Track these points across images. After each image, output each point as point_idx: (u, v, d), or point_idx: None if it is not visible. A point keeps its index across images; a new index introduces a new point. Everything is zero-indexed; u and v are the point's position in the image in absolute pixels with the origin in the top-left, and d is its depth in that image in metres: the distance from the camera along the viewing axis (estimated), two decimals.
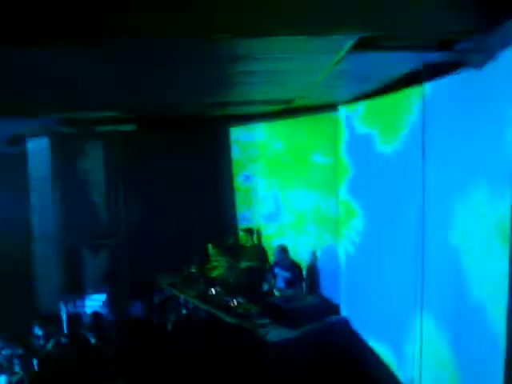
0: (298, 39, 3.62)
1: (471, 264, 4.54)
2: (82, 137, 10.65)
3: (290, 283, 8.54)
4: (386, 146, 6.66)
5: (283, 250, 8.73)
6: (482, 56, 4.11)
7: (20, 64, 4.22)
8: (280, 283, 8.63)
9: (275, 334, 7.48)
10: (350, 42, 3.71)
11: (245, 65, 4.59)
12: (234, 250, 10.15)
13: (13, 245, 9.77)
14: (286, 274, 8.59)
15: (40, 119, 9.35)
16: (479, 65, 4.22)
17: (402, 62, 4.77)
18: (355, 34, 3.52)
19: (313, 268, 9.04)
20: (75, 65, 4.34)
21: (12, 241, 9.79)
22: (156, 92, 6.26)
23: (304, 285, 8.93)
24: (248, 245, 9.98)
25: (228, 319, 8.00)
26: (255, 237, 10.32)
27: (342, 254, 8.25)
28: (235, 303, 8.15)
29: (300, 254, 9.14)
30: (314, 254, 9.01)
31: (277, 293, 8.49)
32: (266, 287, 8.81)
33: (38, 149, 10.72)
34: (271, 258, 9.59)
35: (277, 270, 8.72)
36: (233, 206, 11.33)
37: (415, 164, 5.63)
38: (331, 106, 8.13)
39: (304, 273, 9.02)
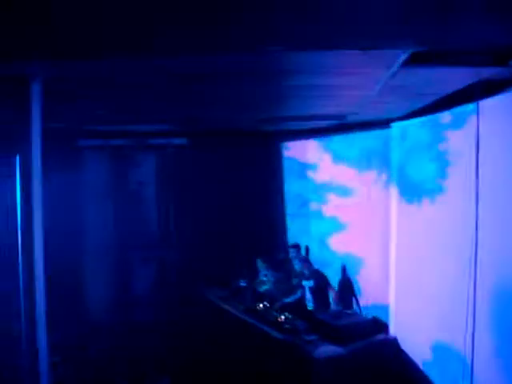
0: (351, 53, 3.61)
1: None
2: (135, 149, 10.83)
3: (314, 292, 8.49)
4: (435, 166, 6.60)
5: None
6: None
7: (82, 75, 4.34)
8: (307, 293, 8.59)
9: (322, 350, 7.42)
10: (403, 57, 3.69)
11: (297, 79, 4.61)
12: (282, 266, 10.13)
13: (66, 257, 9.92)
14: (309, 284, 8.56)
15: (94, 131, 9.57)
16: None
17: (456, 78, 4.70)
18: (408, 48, 3.49)
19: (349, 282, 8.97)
20: (136, 77, 4.43)
21: (66, 253, 9.95)
22: (208, 107, 6.33)
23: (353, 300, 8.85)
24: (296, 260, 9.92)
25: (275, 334, 7.98)
26: (303, 252, 10.31)
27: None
28: (283, 318, 8.12)
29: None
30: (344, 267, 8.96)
31: (309, 304, 8.46)
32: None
33: (93, 160, 10.94)
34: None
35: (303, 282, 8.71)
36: (284, 221, 11.32)
37: (468, 190, 5.52)
38: (384, 123, 8.08)
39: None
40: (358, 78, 4.55)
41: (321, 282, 8.59)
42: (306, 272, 8.63)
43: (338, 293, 8.59)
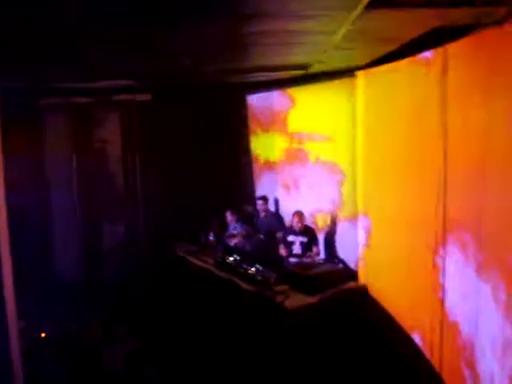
0: None
1: None
2: (98, 107, 10.64)
3: (306, 247, 8.50)
4: (402, 113, 6.58)
5: (298, 215, 8.66)
6: (506, 11, 3.99)
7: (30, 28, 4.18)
8: (297, 249, 8.57)
9: (294, 300, 7.47)
10: None
11: (258, 24, 4.50)
12: (251, 218, 10.14)
13: (32, 216, 9.80)
14: (303, 239, 8.55)
15: (56, 89, 9.35)
16: (502, 21, 4.10)
17: (420, 20, 4.64)
18: None
19: (332, 234, 9.02)
20: (89, 25, 4.28)
21: (31, 212, 9.82)
22: (170, 57, 6.18)
23: (323, 250, 8.91)
24: (264, 212, 9.94)
25: (247, 286, 8.00)
26: (272, 205, 10.34)
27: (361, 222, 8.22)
28: (253, 270, 8.13)
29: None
30: (333, 220, 8.97)
31: (293, 259, 8.47)
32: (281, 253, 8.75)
33: (55, 119, 10.74)
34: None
35: (292, 237, 8.65)
36: (251, 173, 11.28)
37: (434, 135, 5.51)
38: (348, 72, 8.01)
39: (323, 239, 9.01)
40: (320, 21, 4.45)
41: (312, 237, 8.59)
42: (296, 227, 8.59)
43: (306, 241, 8.59)
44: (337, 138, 8.77)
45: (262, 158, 10.98)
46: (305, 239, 8.55)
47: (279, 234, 9.33)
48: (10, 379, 3.95)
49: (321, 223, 9.31)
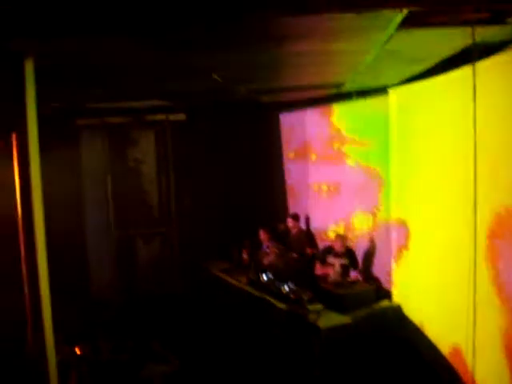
0: (346, 16, 3.56)
1: None
2: (132, 126, 10.81)
3: (347, 270, 8.46)
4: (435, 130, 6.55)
5: (341, 239, 8.64)
6: None
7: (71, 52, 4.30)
8: (336, 271, 8.54)
9: (327, 319, 7.44)
10: (398, 18, 3.64)
11: (292, 45, 4.55)
12: (284, 236, 10.14)
13: (68, 235, 9.92)
14: (343, 261, 8.51)
15: (92, 109, 9.53)
16: None
17: (452, 38, 4.64)
18: (403, 7, 3.43)
19: (369, 254, 8.99)
20: (126, 52, 4.39)
21: (67, 231, 9.95)
22: (205, 77, 6.26)
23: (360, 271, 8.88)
24: (295, 230, 9.94)
25: (280, 305, 8.00)
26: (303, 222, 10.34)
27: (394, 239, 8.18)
28: (286, 289, 8.12)
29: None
30: (371, 239, 8.95)
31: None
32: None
33: (91, 138, 10.94)
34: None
35: (332, 258, 8.62)
36: (284, 192, 11.31)
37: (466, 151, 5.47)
38: (381, 90, 8.02)
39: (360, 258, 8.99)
40: (354, 42, 4.49)
41: (352, 259, 8.58)
42: (338, 251, 8.58)
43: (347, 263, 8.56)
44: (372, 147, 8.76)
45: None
46: (345, 261, 8.51)
47: (309, 251, 9.36)
48: None
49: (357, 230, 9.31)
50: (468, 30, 4.23)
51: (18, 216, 4.35)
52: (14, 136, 4.45)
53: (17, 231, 4.27)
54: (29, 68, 4.14)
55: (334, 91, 8.46)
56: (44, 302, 4.13)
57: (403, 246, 7.97)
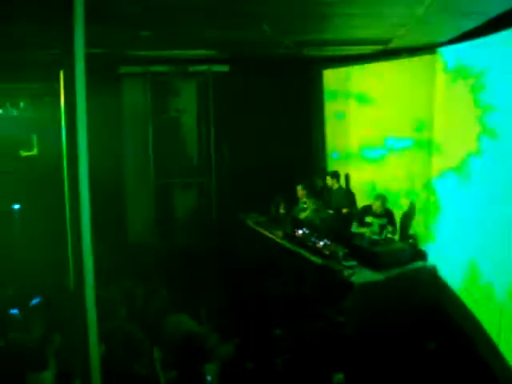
0: None
1: None
2: (175, 76, 10.81)
3: (383, 228, 8.44)
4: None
5: (381, 200, 8.58)
6: None
7: None
8: (375, 230, 8.55)
9: (360, 276, 7.47)
10: None
11: None
12: (322, 193, 10.14)
13: (109, 180, 10.05)
14: (381, 221, 8.50)
15: (135, 56, 9.54)
16: None
17: None
18: None
19: (407, 214, 8.95)
20: None
21: (108, 176, 10.07)
22: (250, 24, 6.19)
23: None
24: (335, 188, 9.93)
25: (314, 259, 8.04)
26: (343, 180, 10.29)
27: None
28: (321, 244, 8.15)
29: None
30: (412, 201, 8.91)
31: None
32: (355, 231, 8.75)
33: (133, 86, 10.99)
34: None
35: (371, 218, 8.61)
36: (324, 148, 11.25)
37: None
38: (431, 48, 7.85)
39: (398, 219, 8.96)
40: None
41: (390, 219, 8.57)
42: (377, 211, 8.56)
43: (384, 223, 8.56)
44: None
45: None
46: (383, 221, 8.50)
47: (348, 209, 9.37)
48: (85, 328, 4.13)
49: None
50: None
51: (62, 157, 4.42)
52: (61, 73, 4.49)
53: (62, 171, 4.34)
54: (79, 7, 4.15)
55: (380, 48, 8.30)
56: (85, 247, 4.19)
57: (441, 208, 7.92)
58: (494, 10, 5.22)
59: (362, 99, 9.99)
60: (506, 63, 5.84)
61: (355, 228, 8.81)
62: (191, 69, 10.77)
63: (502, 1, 4.80)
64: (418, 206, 8.74)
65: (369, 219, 8.64)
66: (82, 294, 4.27)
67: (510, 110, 5.65)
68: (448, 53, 7.55)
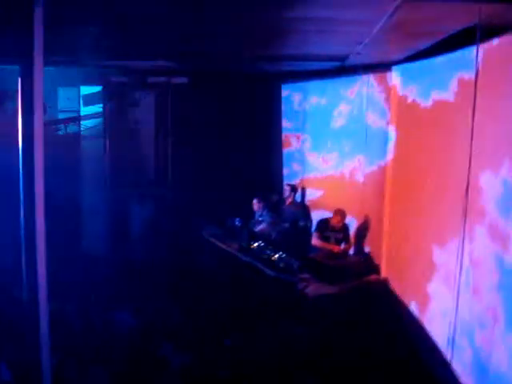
0: None
1: None
2: (134, 87, 10.78)
3: (339, 243, 8.58)
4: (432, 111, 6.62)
5: (340, 215, 8.70)
6: None
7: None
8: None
9: (315, 288, 7.56)
10: None
11: (298, 10, 4.56)
12: (278, 206, 10.22)
13: (64, 192, 9.93)
14: (338, 235, 8.64)
15: (94, 67, 9.50)
16: None
17: (458, 15, 4.66)
18: None
19: (363, 228, 9.10)
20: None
21: (63, 189, 9.98)
22: (208, 40, 6.27)
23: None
24: (290, 201, 10.04)
25: (269, 272, 8.10)
26: (299, 194, 10.42)
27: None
28: (277, 257, 8.22)
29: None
30: (367, 215, 9.05)
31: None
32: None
33: (90, 96, 10.94)
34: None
35: (329, 233, 8.73)
36: (280, 162, 11.36)
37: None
38: (385, 66, 8.06)
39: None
40: (360, 11, 4.51)
41: (346, 233, 8.71)
42: (336, 226, 8.68)
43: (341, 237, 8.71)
44: None
45: None
46: (340, 235, 8.64)
47: (302, 223, 9.51)
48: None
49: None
50: (477, 6, 4.25)
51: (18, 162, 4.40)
52: (20, 83, 4.48)
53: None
54: (38, 15, 4.15)
55: (337, 64, 8.46)
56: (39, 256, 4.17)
57: (393, 222, 8.09)
58: (446, 30, 5.42)
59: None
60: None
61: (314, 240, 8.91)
62: (150, 80, 10.75)
63: (452, 23, 4.99)
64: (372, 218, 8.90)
65: (326, 233, 8.76)
66: (36, 306, 4.27)
67: None
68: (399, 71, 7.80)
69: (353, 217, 9.19)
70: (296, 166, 11.09)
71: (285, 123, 11.31)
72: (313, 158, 10.57)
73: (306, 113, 10.71)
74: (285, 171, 11.40)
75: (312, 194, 10.54)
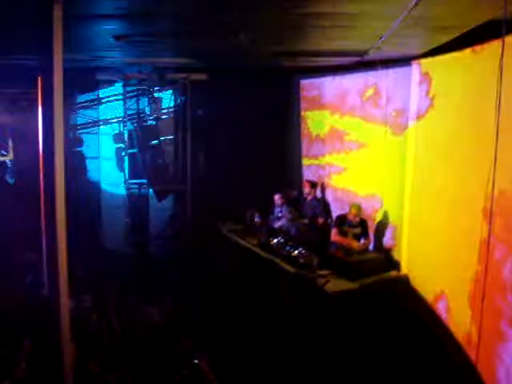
0: None
1: None
2: (154, 83, 10.80)
3: (358, 238, 8.53)
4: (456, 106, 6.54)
5: (356, 209, 8.67)
6: None
7: None
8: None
9: (335, 285, 7.53)
10: None
11: (318, 5, 4.54)
12: (298, 202, 10.20)
13: (81, 189, 10.01)
14: (356, 230, 8.59)
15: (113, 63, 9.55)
16: None
17: (481, 8, 4.60)
18: None
19: (382, 224, 9.05)
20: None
21: (80, 185, 10.06)
22: (228, 35, 6.24)
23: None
24: (310, 197, 10.00)
25: (288, 268, 8.08)
26: (319, 190, 10.37)
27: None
28: (296, 253, 8.19)
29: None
30: (385, 211, 9.01)
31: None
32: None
33: (111, 93, 11.02)
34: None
35: (346, 227, 8.69)
36: (300, 157, 11.32)
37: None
38: (405, 60, 7.98)
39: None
40: (380, 5, 4.47)
41: (364, 228, 8.67)
42: (353, 220, 8.64)
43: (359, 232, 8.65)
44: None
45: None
46: (358, 230, 8.59)
47: (321, 219, 9.56)
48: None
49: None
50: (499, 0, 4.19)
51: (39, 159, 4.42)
52: (40, 80, 4.51)
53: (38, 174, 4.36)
54: (57, 14, 4.17)
55: (356, 59, 8.41)
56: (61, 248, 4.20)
57: (412, 219, 8.04)
58: (468, 24, 5.35)
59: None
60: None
61: (334, 236, 8.88)
62: (170, 76, 10.76)
63: (474, 16, 4.92)
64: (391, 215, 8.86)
65: (344, 228, 8.73)
66: (57, 301, 4.30)
67: None
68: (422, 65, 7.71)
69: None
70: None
71: None
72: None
73: None
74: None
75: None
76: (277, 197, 9.91)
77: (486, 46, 5.63)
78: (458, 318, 6.39)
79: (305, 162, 11.19)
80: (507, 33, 4.99)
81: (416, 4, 4.27)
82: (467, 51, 6.08)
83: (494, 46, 5.29)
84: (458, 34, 5.81)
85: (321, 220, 9.67)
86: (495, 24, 4.99)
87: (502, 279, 5.16)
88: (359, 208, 8.66)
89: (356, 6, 4.54)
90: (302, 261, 8.02)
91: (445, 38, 6.14)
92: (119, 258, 9.99)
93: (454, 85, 6.65)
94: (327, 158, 10.49)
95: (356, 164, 9.66)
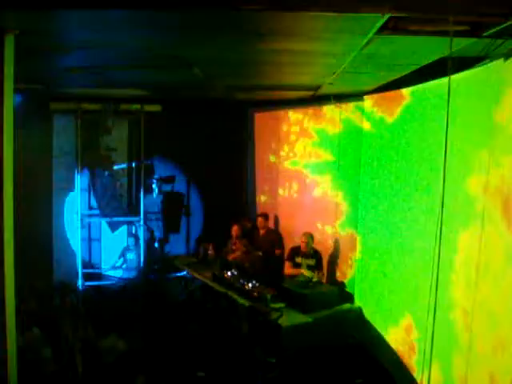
0: (327, 16, 3.58)
1: None
2: (107, 114, 10.70)
3: (312, 270, 8.54)
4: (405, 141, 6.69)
5: (306, 237, 8.71)
6: None
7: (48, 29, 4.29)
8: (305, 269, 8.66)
9: (288, 318, 7.51)
10: (379, 22, 3.68)
11: (271, 42, 4.58)
12: (251, 235, 10.18)
13: (35, 221, 9.82)
14: (310, 262, 8.61)
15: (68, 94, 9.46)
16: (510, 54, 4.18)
17: (430, 48, 4.71)
18: (384, 12, 3.47)
19: (335, 256, 9.08)
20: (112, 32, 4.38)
21: (34, 216, 9.87)
22: (181, 72, 6.26)
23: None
24: (264, 229, 10.01)
25: (242, 301, 8.03)
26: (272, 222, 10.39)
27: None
28: (250, 286, 8.16)
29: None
30: (336, 241, 9.04)
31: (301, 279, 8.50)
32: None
33: (64, 124, 10.86)
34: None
35: (300, 258, 8.71)
36: (253, 190, 11.34)
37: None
38: (357, 96, 8.12)
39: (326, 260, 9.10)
40: (333, 43, 4.54)
41: (318, 260, 8.69)
42: (304, 250, 8.66)
43: (313, 264, 8.67)
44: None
45: None
46: (312, 262, 8.61)
47: (276, 252, 9.56)
48: None
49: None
50: (446, 40, 4.29)
51: None
52: None
53: None
54: (9, 44, 4.12)
55: (310, 94, 8.51)
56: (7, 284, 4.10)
57: (364, 252, 8.11)
58: (416, 63, 5.49)
59: None
60: None
61: (287, 269, 8.88)
62: (123, 107, 10.68)
63: (423, 56, 5.06)
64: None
65: (298, 259, 8.75)
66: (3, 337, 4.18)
67: None
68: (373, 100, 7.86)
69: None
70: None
71: None
72: None
73: None
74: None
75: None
76: (235, 227, 9.89)
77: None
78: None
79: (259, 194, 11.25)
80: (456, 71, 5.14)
81: (366, 44, 4.35)
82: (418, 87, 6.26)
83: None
84: (407, 72, 5.95)
85: (277, 251, 9.67)
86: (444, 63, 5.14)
87: None
88: (309, 236, 8.72)
89: (308, 44, 4.60)
90: (255, 294, 7.98)
91: (395, 75, 6.28)
92: (71, 290, 9.80)
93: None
94: (280, 191, 10.55)
95: (310, 197, 9.72)
